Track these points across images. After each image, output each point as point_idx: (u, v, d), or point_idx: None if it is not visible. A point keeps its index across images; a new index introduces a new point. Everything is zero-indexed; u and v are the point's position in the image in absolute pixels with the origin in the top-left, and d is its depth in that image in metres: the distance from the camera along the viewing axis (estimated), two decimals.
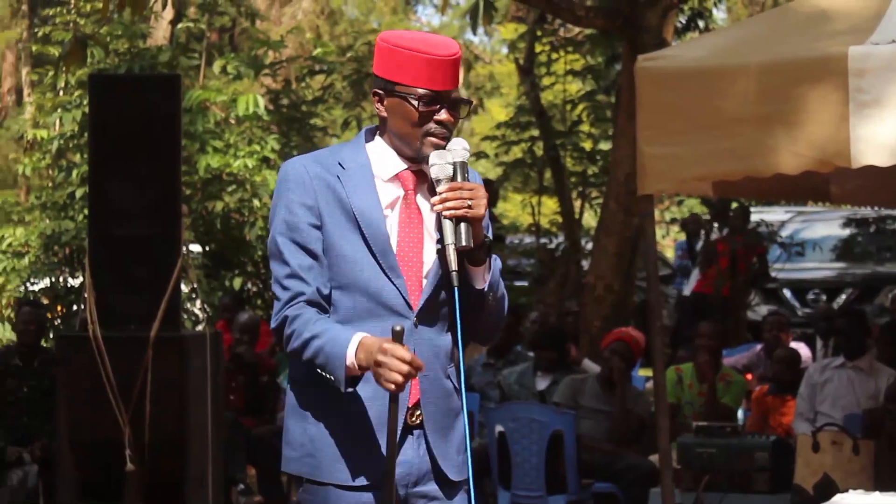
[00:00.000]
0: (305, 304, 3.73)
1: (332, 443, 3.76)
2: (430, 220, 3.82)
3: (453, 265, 3.68)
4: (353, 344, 3.61)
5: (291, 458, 3.85)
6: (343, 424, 3.76)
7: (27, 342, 9.16)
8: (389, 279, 3.75)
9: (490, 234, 3.86)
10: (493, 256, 3.86)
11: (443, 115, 3.77)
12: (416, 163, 3.83)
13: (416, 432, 3.80)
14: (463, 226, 3.69)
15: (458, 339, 3.75)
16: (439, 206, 3.71)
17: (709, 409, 8.92)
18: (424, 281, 3.80)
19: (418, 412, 3.79)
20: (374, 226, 3.76)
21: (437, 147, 3.77)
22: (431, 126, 3.78)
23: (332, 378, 3.64)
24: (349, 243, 3.76)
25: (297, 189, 3.78)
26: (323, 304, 3.76)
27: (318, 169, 3.80)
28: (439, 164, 3.75)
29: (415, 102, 3.76)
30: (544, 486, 8.22)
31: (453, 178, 3.74)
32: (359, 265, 3.75)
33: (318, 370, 3.67)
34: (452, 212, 3.69)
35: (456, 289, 3.68)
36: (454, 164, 3.75)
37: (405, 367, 3.51)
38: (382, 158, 3.85)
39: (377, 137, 3.89)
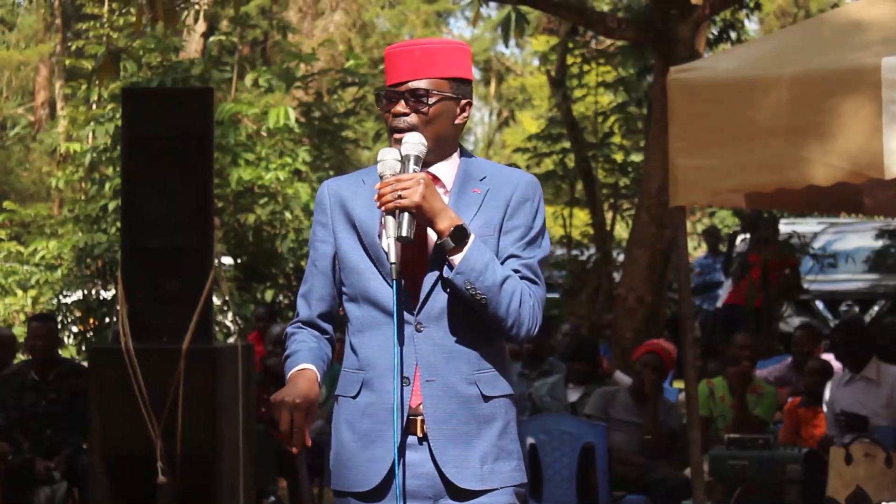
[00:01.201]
0: (302, 324, 3.90)
1: (346, 452, 3.78)
2: None
3: (392, 257, 3.64)
4: (290, 375, 3.75)
5: (330, 470, 3.89)
6: (350, 433, 3.77)
7: (40, 357, 9.13)
8: (390, 286, 3.72)
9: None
10: (482, 246, 3.73)
11: (398, 107, 3.74)
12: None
13: (425, 444, 3.71)
14: (405, 216, 3.61)
15: (395, 332, 3.68)
16: (377, 203, 3.67)
17: (740, 421, 8.88)
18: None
19: (424, 423, 3.70)
20: (370, 234, 3.77)
21: (397, 141, 3.74)
22: (391, 120, 3.77)
23: None
24: (356, 254, 3.79)
25: (318, 209, 3.89)
26: (319, 325, 3.89)
27: (337, 187, 3.87)
28: (384, 160, 3.72)
29: (379, 101, 3.81)
30: (575, 498, 8.19)
31: (402, 172, 3.69)
32: (364, 274, 3.77)
33: None
34: (386, 206, 3.62)
35: (395, 282, 3.64)
36: (403, 158, 3.70)
37: (285, 430, 3.59)
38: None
39: None
